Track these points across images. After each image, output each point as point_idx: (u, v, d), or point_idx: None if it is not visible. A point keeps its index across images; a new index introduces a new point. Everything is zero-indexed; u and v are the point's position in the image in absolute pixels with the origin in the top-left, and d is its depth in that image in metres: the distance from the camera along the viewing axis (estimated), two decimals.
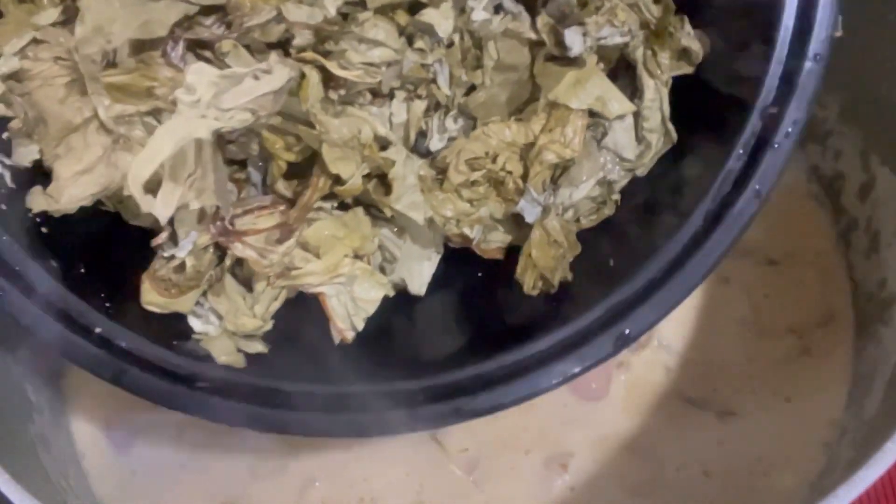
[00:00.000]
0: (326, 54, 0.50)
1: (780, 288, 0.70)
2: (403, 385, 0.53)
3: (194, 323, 0.55)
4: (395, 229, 0.56)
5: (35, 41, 0.51)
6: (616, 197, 0.57)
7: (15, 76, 0.51)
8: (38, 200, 0.52)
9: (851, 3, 0.64)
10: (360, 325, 0.55)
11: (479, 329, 0.57)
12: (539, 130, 0.53)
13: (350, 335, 0.55)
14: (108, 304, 0.54)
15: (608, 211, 0.57)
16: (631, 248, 0.55)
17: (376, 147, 0.52)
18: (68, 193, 0.51)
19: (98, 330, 0.53)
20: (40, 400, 0.65)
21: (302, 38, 0.49)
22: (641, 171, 0.56)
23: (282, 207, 0.53)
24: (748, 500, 0.63)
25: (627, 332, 0.52)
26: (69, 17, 0.51)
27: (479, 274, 0.58)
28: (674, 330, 0.68)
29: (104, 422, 0.67)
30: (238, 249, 0.52)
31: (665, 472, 0.64)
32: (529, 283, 0.55)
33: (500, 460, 0.65)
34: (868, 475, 0.48)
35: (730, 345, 0.68)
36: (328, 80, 0.51)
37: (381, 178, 0.53)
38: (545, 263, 0.54)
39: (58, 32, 0.51)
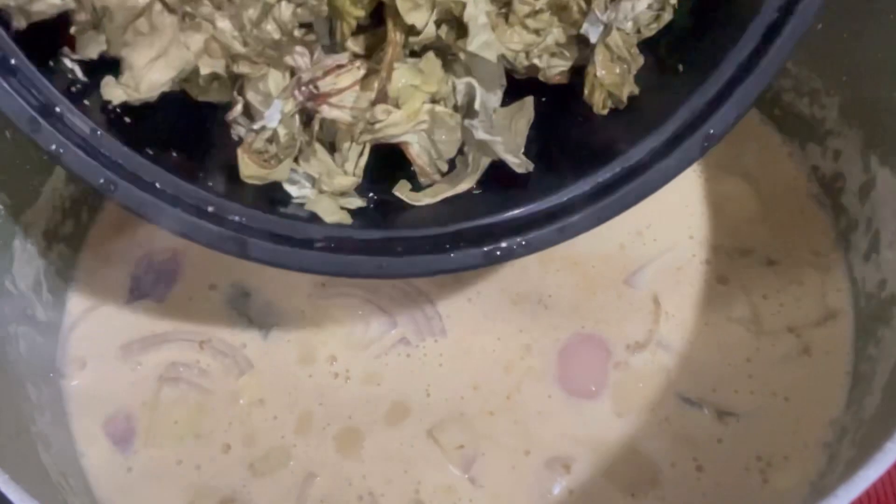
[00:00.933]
0: None
1: (779, 288, 0.70)
2: (501, 216, 0.55)
3: (291, 189, 0.57)
4: (464, 69, 0.57)
5: None
6: (673, 1, 0.57)
7: None
8: (114, 91, 0.52)
9: (852, 3, 0.64)
10: (445, 167, 0.57)
11: (560, 154, 0.59)
12: None
13: (437, 178, 0.57)
14: (210, 184, 0.55)
15: (668, 16, 0.56)
16: (699, 49, 0.56)
17: None
18: (147, 81, 0.52)
19: (210, 209, 0.54)
20: (40, 400, 0.65)
21: None
22: None
23: (358, 64, 0.54)
24: (747, 500, 0.63)
25: (712, 131, 0.53)
26: None
27: (544, 99, 0.59)
28: (673, 329, 0.68)
29: (104, 422, 0.67)
30: (325, 111, 0.54)
31: (663, 472, 0.63)
32: (599, 102, 0.56)
33: (498, 459, 0.64)
34: (868, 475, 0.48)
35: (729, 345, 0.68)
36: None
37: (450, 22, 0.54)
38: (611, 80, 0.56)
39: None
